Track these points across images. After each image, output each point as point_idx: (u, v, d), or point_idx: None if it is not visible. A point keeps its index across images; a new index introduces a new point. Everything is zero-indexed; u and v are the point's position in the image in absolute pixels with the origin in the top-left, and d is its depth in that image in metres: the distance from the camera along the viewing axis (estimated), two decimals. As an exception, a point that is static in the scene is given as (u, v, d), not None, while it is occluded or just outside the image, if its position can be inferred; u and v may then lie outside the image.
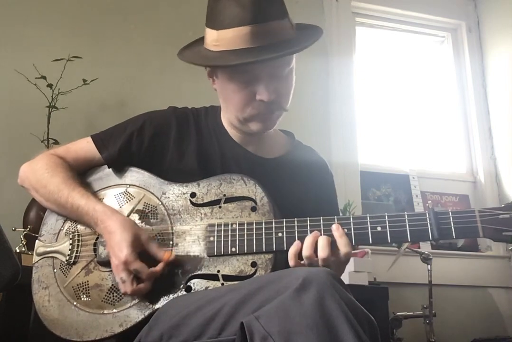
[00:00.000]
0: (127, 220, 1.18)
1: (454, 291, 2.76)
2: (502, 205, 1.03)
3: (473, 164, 3.16)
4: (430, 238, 1.04)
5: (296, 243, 1.09)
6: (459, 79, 3.27)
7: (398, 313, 2.21)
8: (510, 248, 2.59)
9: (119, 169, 1.29)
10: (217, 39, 1.18)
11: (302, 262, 1.08)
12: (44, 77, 2.27)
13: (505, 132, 3.07)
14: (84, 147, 1.32)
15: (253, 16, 1.14)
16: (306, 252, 1.06)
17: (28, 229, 1.95)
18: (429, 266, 2.23)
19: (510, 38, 3.08)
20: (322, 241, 1.06)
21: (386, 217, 1.06)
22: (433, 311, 2.19)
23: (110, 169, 1.30)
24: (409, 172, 3.02)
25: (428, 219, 1.05)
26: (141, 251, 1.13)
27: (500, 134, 3.10)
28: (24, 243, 1.94)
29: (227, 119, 1.31)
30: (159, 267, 1.12)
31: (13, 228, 1.90)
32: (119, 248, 1.11)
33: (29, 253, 1.88)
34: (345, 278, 2.05)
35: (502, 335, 2.57)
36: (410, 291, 2.62)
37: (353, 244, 1.07)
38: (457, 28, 3.36)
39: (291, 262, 1.08)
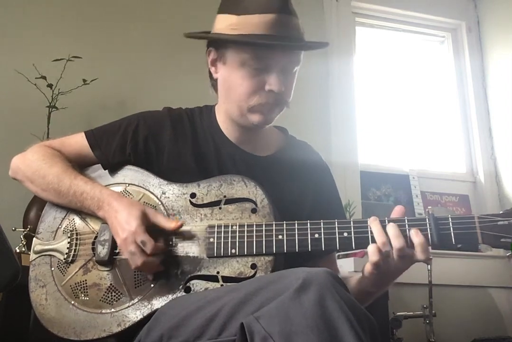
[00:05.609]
0: (134, 201, 1.19)
1: (454, 291, 2.76)
2: (501, 212, 1.02)
3: (473, 164, 3.16)
4: (430, 244, 1.02)
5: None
6: (459, 79, 3.28)
7: (398, 313, 2.21)
8: (508, 254, 2.58)
9: (119, 167, 1.28)
10: (237, 24, 1.17)
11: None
12: (44, 77, 2.27)
13: (505, 132, 3.07)
14: (78, 141, 1.32)
15: (280, 6, 1.16)
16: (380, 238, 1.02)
17: (28, 229, 1.95)
18: (429, 266, 2.23)
19: (510, 38, 3.08)
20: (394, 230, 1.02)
21: (387, 221, 1.05)
22: (433, 311, 2.19)
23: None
24: (409, 172, 3.02)
25: (428, 224, 1.03)
26: (148, 227, 1.12)
27: (500, 134, 3.10)
28: (24, 243, 1.94)
29: (225, 113, 1.29)
30: (164, 242, 1.12)
31: (13, 228, 1.90)
32: (127, 222, 1.11)
33: (29, 253, 1.87)
34: (345, 278, 2.04)
35: (502, 335, 2.57)
36: (410, 291, 2.62)
37: (353, 248, 1.06)
38: (457, 28, 3.36)
39: (373, 257, 1.03)
